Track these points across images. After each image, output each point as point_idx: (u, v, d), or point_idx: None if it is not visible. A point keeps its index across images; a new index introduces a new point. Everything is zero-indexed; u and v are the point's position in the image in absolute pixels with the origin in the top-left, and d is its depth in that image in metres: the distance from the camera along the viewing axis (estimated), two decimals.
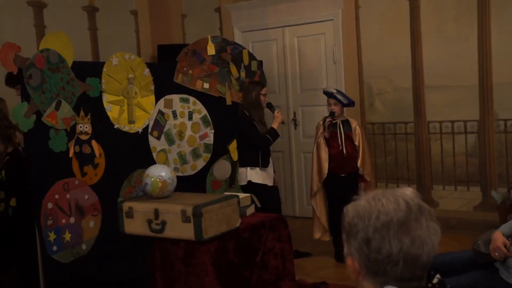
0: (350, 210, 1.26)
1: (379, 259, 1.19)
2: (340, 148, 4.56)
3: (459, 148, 5.24)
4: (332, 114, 4.59)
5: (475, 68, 5.05)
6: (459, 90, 5.16)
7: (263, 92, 4.61)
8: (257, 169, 4.57)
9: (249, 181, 4.55)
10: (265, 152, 4.60)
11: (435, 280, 1.24)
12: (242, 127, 4.58)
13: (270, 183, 4.65)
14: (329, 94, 4.61)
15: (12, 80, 4.14)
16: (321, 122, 4.69)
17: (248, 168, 4.56)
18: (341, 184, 4.56)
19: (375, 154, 5.58)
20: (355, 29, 5.66)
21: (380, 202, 1.22)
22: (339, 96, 4.54)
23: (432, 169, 5.38)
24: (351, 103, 4.65)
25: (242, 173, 4.60)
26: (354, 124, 4.67)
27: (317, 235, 4.77)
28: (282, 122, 4.62)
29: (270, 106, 4.73)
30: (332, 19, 5.81)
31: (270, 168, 4.65)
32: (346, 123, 4.64)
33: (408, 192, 1.25)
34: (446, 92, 5.24)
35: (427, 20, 5.26)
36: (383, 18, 5.49)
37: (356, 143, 4.59)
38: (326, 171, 4.61)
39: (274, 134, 4.55)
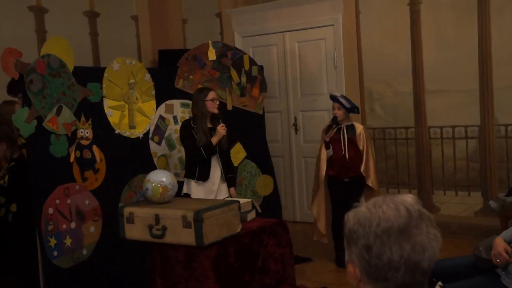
0: (350, 217, 1.26)
1: (380, 266, 1.19)
2: (343, 153, 4.56)
3: (459, 153, 5.24)
4: (335, 118, 4.58)
5: (476, 72, 5.06)
6: (459, 95, 5.17)
7: (208, 98, 4.08)
8: (192, 182, 4.09)
9: (185, 193, 4.11)
10: (204, 164, 4.09)
11: (437, 287, 1.24)
12: (180, 136, 4.20)
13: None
14: (333, 98, 4.61)
15: (14, 89, 4.14)
16: (325, 126, 4.69)
17: (185, 180, 4.15)
18: (344, 188, 4.55)
19: (376, 159, 5.57)
20: (355, 34, 5.67)
21: (381, 209, 1.22)
22: (342, 100, 4.53)
23: (433, 174, 5.38)
24: (355, 109, 4.63)
25: (184, 183, 4.15)
26: (360, 129, 4.61)
27: (315, 237, 4.79)
28: (228, 139, 4.17)
29: (217, 117, 4.20)
30: (333, 24, 5.82)
31: (210, 183, 4.12)
32: (351, 127, 4.61)
33: (408, 198, 1.25)
34: (447, 97, 5.24)
35: (427, 24, 5.27)
36: (383, 22, 5.50)
37: (360, 147, 4.57)
38: (324, 173, 4.61)
39: (209, 149, 4.02)
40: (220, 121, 4.17)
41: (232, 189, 4.26)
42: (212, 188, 4.14)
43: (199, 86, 4.53)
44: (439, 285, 1.25)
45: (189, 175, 4.09)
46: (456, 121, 5.21)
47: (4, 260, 4.03)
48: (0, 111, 4.55)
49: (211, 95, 4.11)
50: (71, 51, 3.73)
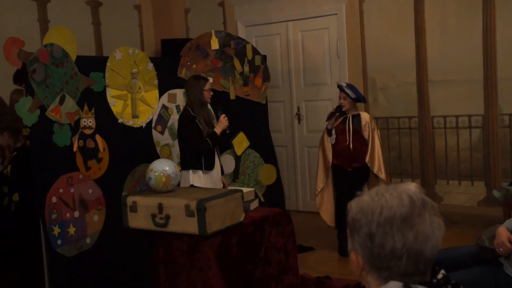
0: (353, 206, 1.26)
1: (382, 254, 1.19)
2: (347, 143, 4.55)
3: (463, 143, 5.22)
4: (339, 107, 4.57)
5: (480, 62, 5.04)
6: (463, 85, 5.15)
7: (206, 87, 4.07)
8: (200, 172, 4.05)
9: (192, 185, 4.02)
10: (210, 154, 4.09)
11: (439, 276, 1.24)
12: (181, 126, 4.06)
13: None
14: (339, 87, 4.59)
15: (20, 78, 4.15)
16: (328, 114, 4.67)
17: (191, 171, 4.03)
18: (348, 178, 4.55)
19: None
20: (359, 24, 5.64)
21: (384, 198, 1.22)
22: (347, 90, 4.51)
23: (436, 164, 5.38)
24: (361, 99, 4.61)
25: (184, 177, 4.01)
26: (366, 118, 4.56)
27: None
28: (226, 131, 4.15)
29: (218, 108, 4.27)
30: (336, 13, 5.79)
31: (215, 171, 4.14)
32: (357, 117, 4.57)
33: (411, 187, 1.24)
34: (450, 87, 5.22)
35: (431, 14, 5.24)
36: (387, 12, 5.47)
37: (366, 137, 4.55)
38: (330, 161, 4.61)
39: (215, 139, 4.04)
40: (219, 113, 4.19)
41: (223, 177, 4.30)
42: (218, 177, 4.16)
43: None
44: (442, 273, 1.25)
45: (196, 166, 4.04)
46: (459, 111, 5.20)
47: (7, 249, 4.05)
48: (11, 99, 4.57)
49: (208, 85, 4.11)
50: (74, 40, 3.72)
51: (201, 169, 4.05)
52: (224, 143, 4.50)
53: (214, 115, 4.45)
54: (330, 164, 4.63)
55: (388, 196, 1.21)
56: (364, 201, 1.24)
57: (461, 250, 2.81)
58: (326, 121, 4.61)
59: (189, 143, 4.02)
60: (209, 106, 4.34)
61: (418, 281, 1.19)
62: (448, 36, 5.17)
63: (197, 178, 4.05)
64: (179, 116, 4.14)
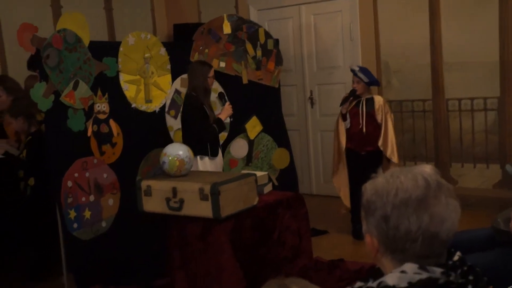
0: (368, 187, 1.25)
1: (397, 236, 1.19)
2: (360, 126, 4.53)
3: (478, 126, 5.17)
4: (353, 91, 4.54)
5: (496, 44, 4.96)
6: (478, 67, 5.08)
7: (210, 74, 4.05)
8: (206, 158, 4.04)
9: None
10: (215, 140, 4.10)
11: (455, 258, 1.24)
12: (187, 112, 4.03)
13: None
14: (352, 72, 4.56)
15: (33, 64, 4.17)
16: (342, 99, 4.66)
17: (198, 157, 3.96)
18: (361, 162, 4.53)
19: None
20: (372, 6, 5.57)
21: (398, 179, 1.21)
22: (360, 74, 4.48)
23: (451, 147, 5.33)
24: (374, 82, 4.59)
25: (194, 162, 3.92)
26: (379, 102, 4.54)
27: (342, 210, 4.80)
28: (230, 117, 4.19)
29: (222, 96, 4.28)
30: None
31: (219, 158, 4.17)
32: (370, 101, 4.55)
33: (427, 169, 1.23)
34: (465, 69, 5.15)
35: None
36: None
37: (379, 121, 4.53)
38: (344, 145, 4.61)
39: (221, 126, 4.04)
40: (223, 100, 4.21)
41: None
42: (221, 163, 4.20)
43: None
44: (458, 255, 1.24)
45: (202, 151, 4.01)
46: (474, 93, 5.14)
47: (23, 233, 4.12)
48: (26, 85, 4.60)
49: (212, 71, 4.10)
50: (87, 25, 3.72)
51: (207, 155, 4.04)
52: (237, 127, 4.51)
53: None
54: (344, 148, 4.62)
55: (403, 178, 1.21)
56: (379, 183, 1.24)
57: (476, 233, 2.80)
58: (340, 106, 4.59)
59: (195, 129, 3.98)
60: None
61: (433, 263, 1.19)
62: (464, 17, 5.09)
63: (202, 164, 4.03)
64: (184, 103, 4.11)
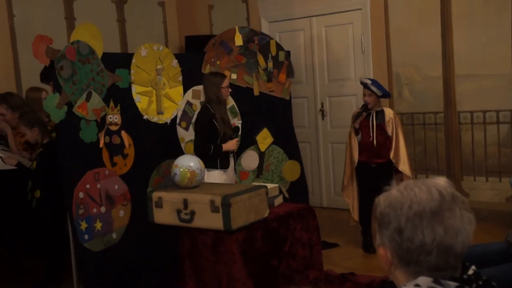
0: (382, 200, 1.24)
1: (411, 249, 1.18)
2: (371, 139, 4.51)
3: (490, 139, 5.13)
4: (365, 105, 4.53)
5: (508, 55, 4.93)
6: (491, 79, 5.05)
7: (224, 84, 4.03)
8: (216, 171, 4.02)
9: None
10: (225, 153, 4.05)
11: (470, 271, 1.22)
12: (195, 124, 4.07)
13: None
14: (363, 85, 4.55)
15: (46, 76, 4.22)
16: (354, 112, 4.65)
17: (206, 170, 3.84)
18: (372, 174, 4.51)
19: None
20: (383, 18, 5.58)
21: (413, 192, 1.20)
22: (373, 88, 4.47)
23: (463, 160, 5.30)
24: (386, 94, 4.59)
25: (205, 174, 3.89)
26: (389, 114, 4.55)
27: (351, 221, 4.77)
28: (231, 153, 4.11)
29: (237, 130, 4.23)
30: (361, 8, 5.74)
31: (231, 170, 4.14)
32: (380, 113, 4.55)
33: (441, 181, 1.23)
34: (478, 81, 5.13)
35: (457, 5, 5.15)
36: (412, 5, 5.40)
37: (389, 133, 4.52)
38: (356, 160, 4.59)
39: (217, 152, 3.95)
40: (235, 134, 4.13)
41: (235, 176, 4.29)
42: (231, 174, 4.15)
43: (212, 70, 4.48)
44: (473, 269, 1.23)
45: (211, 164, 3.97)
46: (487, 105, 5.11)
47: (31, 243, 4.14)
48: (27, 97, 4.65)
49: (226, 82, 4.07)
50: (100, 37, 3.76)
51: (217, 168, 4.02)
52: (247, 139, 4.50)
53: (231, 116, 4.45)
54: (356, 164, 4.60)
55: (417, 190, 1.20)
56: (393, 195, 1.23)
57: (489, 247, 2.77)
58: (353, 122, 4.57)
59: (195, 144, 3.99)
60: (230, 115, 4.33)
61: (448, 276, 1.18)
62: (475, 28, 5.08)
63: (212, 176, 3.99)
64: (197, 113, 4.12)
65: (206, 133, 3.94)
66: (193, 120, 4.45)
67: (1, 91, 4.81)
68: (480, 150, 5.19)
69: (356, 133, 4.59)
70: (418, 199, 1.19)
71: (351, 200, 4.70)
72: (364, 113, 4.52)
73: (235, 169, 4.32)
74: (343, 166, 4.80)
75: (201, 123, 3.98)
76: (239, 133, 4.34)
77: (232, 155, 4.16)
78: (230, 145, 4.05)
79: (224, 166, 4.07)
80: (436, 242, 1.16)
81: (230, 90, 4.15)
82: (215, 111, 3.98)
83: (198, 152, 3.90)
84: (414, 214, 1.17)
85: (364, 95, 4.53)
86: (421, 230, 1.16)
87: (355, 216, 4.69)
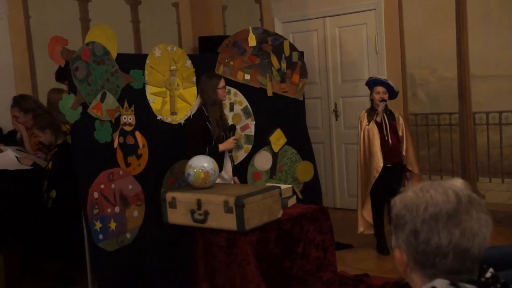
0: (397, 201, 1.24)
1: (427, 251, 1.17)
2: (386, 138, 4.52)
3: (506, 140, 5.08)
4: (384, 101, 4.50)
5: None
6: (506, 79, 5.00)
7: (220, 85, 4.00)
8: None
9: None
10: (219, 155, 3.98)
11: (488, 274, 1.21)
12: (188, 127, 4.05)
13: None
14: (379, 82, 4.53)
15: (62, 76, 4.26)
16: (363, 113, 4.63)
17: None
18: (385, 174, 4.48)
19: (417, 145, 5.47)
20: (397, 18, 5.55)
21: (429, 194, 1.19)
22: (392, 84, 4.53)
23: (478, 161, 5.25)
24: (396, 93, 4.63)
25: None
26: (397, 114, 4.64)
27: (360, 228, 4.69)
28: (230, 152, 4.07)
29: (233, 128, 4.15)
30: (375, 9, 5.71)
31: (225, 172, 4.07)
32: (390, 113, 4.59)
33: (457, 183, 1.22)
34: (493, 82, 5.08)
35: (473, 6, 5.10)
36: (427, 5, 5.36)
37: (400, 133, 4.55)
38: (381, 165, 4.43)
39: (213, 153, 3.87)
40: (232, 133, 4.09)
41: (235, 178, 4.19)
42: (226, 177, 4.06)
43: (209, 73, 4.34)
44: (491, 272, 1.21)
45: None
46: (503, 106, 5.06)
47: (47, 243, 4.18)
48: (49, 98, 4.69)
49: (222, 82, 4.05)
50: (115, 38, 3.78)
51: None
52: (261, 140, 4.47)
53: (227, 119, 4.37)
54: (381, 169, 4.42)
55: (433, 192, 1.19)
56: (408, 197, 1.22)
57: (505, 249, 2.74)
58: (366, 122, 4.55)
59: (189, 145, 3.94)
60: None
61: (465, 279, 1.16)
62: (491, 28, 5.03)
63: None
64: (192, 115, 4.09)
65: (200, 136, 3.90)
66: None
67: (17, 92, 4.87)
68: (496, 151, 5.14)
69: (379, 129, 4.52)
70: (434, 201, 1.18)
71: (364, 205, 4.61)
72: (377, 111, 4.52)
73: (234, 169, 4.24)
74: (356, 169, 4.75)
75: (193, 125, 3.98)
76: (240, 132, 4.31)
77: (230, 154, 4.13)
78: (227, 144, 4.00)
79: (219, 169, 3.93)
80: (453, 245, 1.15)
81: (226, 90, 4.13)
82: (209, 114, 3.95)
83: (192, 154, 3.80)
84: (430, 216, 1.17)
85: (379, 92, 4.50)
86: (437, 232, 1.15)
87: (370, 219, 4.62)
